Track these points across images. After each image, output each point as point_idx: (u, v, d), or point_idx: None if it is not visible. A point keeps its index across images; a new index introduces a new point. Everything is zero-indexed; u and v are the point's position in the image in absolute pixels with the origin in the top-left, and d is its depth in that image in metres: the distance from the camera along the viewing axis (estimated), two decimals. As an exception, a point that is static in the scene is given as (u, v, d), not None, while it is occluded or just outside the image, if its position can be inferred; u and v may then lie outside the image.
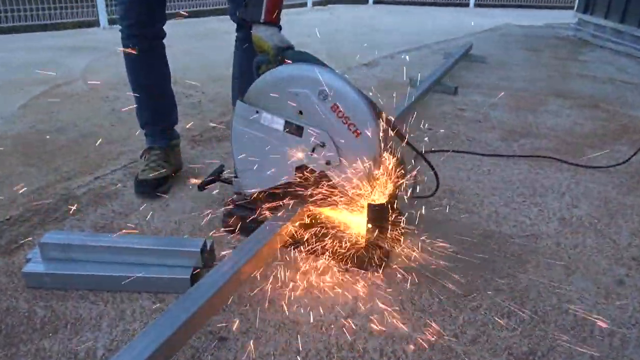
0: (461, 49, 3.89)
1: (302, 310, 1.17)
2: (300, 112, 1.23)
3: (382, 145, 1.20)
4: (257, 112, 1.27)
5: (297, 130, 1.24)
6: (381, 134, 1.20)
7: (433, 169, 1.38)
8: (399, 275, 1.29)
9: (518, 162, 2.04)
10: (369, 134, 1.18)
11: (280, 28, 1.35)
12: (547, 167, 1.99)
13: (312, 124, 1.22)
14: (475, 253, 1.40)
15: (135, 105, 1.77)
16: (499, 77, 3.47)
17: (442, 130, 2.36)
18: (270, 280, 1.27)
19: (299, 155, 1.26)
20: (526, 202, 1.71)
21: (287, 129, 1.25)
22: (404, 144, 1.30)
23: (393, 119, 1.27)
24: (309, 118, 1.22)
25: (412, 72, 3.44)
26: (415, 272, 1.31)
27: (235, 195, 1.46)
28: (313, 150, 1.23)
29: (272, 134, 1.27)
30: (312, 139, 1.23)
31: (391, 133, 1.25)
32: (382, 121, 1.21)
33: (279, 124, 1.25)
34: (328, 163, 1.23)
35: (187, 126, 2.32)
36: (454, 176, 1.88)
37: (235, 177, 1.42)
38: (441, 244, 1.42)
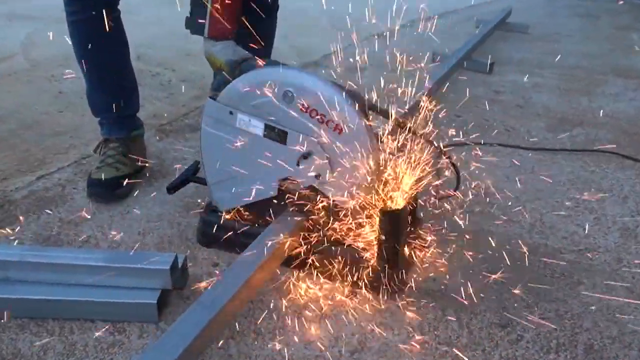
0: (498, 15, 3.89)
1: (296, 344, 1.17)
2: (273, 122, 1.28)
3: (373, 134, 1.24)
4: (231, 112, 1.31)
5: (280, 136, 1.28)
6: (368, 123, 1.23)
7: (450, 160, 1.37)
8: (418, 300, 1.29)
9: (569, 157, 2.04)
10: (351, 126, 1.22)
11: (235, 38, 1.39)
12: (605, 164, 1.99)
13: (294, 128, 1.26)
14: (515, 272, 1.40)
15: (86, 88, 1.77)
16: (545, 52, 3.47)
17: (473, 118, 2.36)
18: (257, 304, 1.27)
19: (283, 166, 1.29)
20: (579, 207, 1.71)
21: (268, 134, 1.29)
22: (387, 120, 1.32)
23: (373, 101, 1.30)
24: (288, 123, 1.27)
25: (436, 45, 3.44)
26: (439, 296, 1.31)
27: (213, 200, 1.46)
28: (299, 162, 1.27)
29: (250, 140, 1.31)
30: (297, 147, 1.26)
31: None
32: (367, 107, 1.25)
33: (258, 127, 1.30)
34: (318, 177, 1.27)
35: (153, 113, 2.32)
36: (488, 175, 1.88)
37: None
38: (471, 261, 1.42)
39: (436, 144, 1.35)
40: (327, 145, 1.24)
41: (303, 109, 1.23)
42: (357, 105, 1.23)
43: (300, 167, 1.28)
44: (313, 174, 1.27)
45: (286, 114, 1.25)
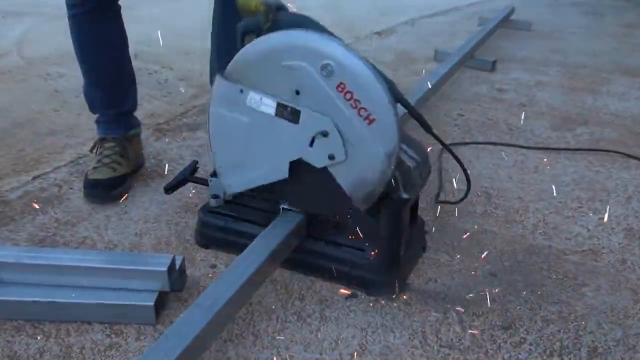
0: (501, 12, 3.89)
1: (296, 347, 1.17)
2: (297, 92, 1.22)
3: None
4: (241, 90, 1.26)
5: (293, 115, 1.23)
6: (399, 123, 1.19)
7: (463, 167, 1.38)
8: (420, 302, 1.30)
9: (573, 157, 2.04)
10: (385, 121, 1.17)
11: None
12: (609, 164, 1.99)
13: (311, 106, 1.21)
14: (518, 274, 1.40)
15: (83, 84, 1.77)
16: (549, 49, 3.47)
17: (476, 117, 2.36)
18: (256, 306, 1.27)
19: (294, 148, 1.26)
20: (583, 208, 1.71)
21: (280, 113, 1.24)
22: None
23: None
24: (308, 100, 1.21)
25: (438, 43, 3.44)
26: (442, 298, 1.31)
27: (212, 200, 1.46)
28: (312, 141, 1.23)
29: (261, 119, 1.26)
30: (312, 127, 1.22)
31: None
32: (403, 106, 1.21)
33: (269, 106, 1.25)
34: (332, 157, 1.23)
35: (150, 112, 2.32)
36: (491, 175, 1.88)
37: (213, 175, 1.43)
38: (474, 262, 1.43)
39: (444, 144, 1.34)
40: (343, 127, 1.19)
41: (339, 88, 1.16)
42: (397, 99, 1.18)
43: (313, 147, 1.23)
44: (327, 154, 1.22)
45: (317, 88, 1.18)
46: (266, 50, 1.23)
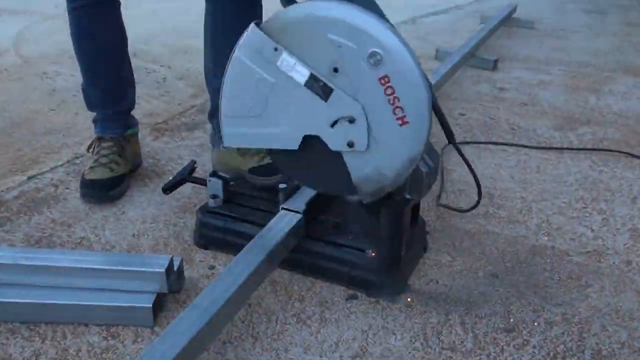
0: (503, 10, 3.89)
1: (296, 349, 1.17)
2: (335, 70, 1.15)
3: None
4: (275, 49, 1.17)
5: (323, 91, 1.16)
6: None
7: (476, 178, 1.33)
8: (421, 303, 1.30)
9: (576, 157, 2.04)
10: (419, 127, 1.12)
11: None
12: (613, 164, 1.99)
13: (346, 89, 1.15)
14: (521, 275, 1.40)
15: (81, 82, 1.77)
16: (552, 48, 3.47)
17: (477, 116, 2.36)
18: (255, 307, 1.27)
19: (313, 123, 1.19)
20: (587, 208, 1.71)
21: (310, 85, 1.17)
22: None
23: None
24: (345, 81, 1.15)
25: (439, 42, 3.44)
26: (443, 299, 1.31)
27: (210, 200, 1.46)
28: (335, 123, 1.17)
29: (287, 84, 1.18)
30: (340, 109, 1.16)
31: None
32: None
33: (301, 74, 1.17)
34: (350, 145, 1.17)
35: (148, 111, 2.32)
36: (493, 175, 1.88)
37: (212, 175, 1.42)
38: (476, 263, 1.42)
39: (464, 157, 1.31)
40: (373, 120, 1.14)
41: (382, 80, 1.10)
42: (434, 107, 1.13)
43: (334, 129, 1.17)
44: (347, 140, 1.17)
45: (358, 73, 1.12)
46: (317, 16, 1.14)
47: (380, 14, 1.16)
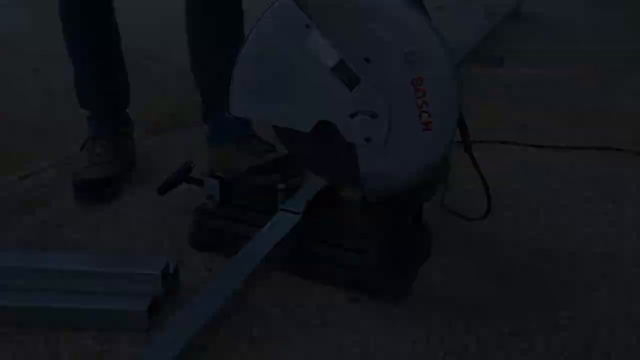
0: (509, 4, 3.89)
1: (295, 354, 1.17)
2: (367, 60, 1.13)
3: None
4: (307, 26, 1.13)
5: (350, 80, 1.13)
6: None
7: (487, 190, 1.34)
8: (424, 307, 1.30)
9: (585, 156, 2.04)
10: (441, 136, 1.12)
11: None
12: (623, 163, 1.99)
13: (374, 82, 1.13)
14: (527, 277, 1.40)
15: (74, 79, 1.78)
16: (560, 43, 3.47)
17: (483, 114, 2.36)
18: (252, 311, 1.27)
19: (332, 110, 1.17)
20: (595, 209, 1.71)
21: (337, 70, 1.14)
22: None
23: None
24: (375, 74, 1.12)
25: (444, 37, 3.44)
26: (447, 303, 1.31)
27: (207, 201, 1.46)
28: (355, 114, 1.16)
29: (312, 65, 1.15)
30: (364, 102, 1.14)
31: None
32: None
33: (329, 58, 1.14)
34: (367, 140, 1.16)
35: (143, 109, 2.32)
36: (498, 175, 1.88)
37: (210, 175, 1.42)
38: (481, 265, 1.42)
39: (476, 164, 1.31)
40: (396, 119, 1.13)
41: (415, 81, 1.08)
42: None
43: (354, 120, 1.15)
44: (365, 134, 1.15)
45: (391, 69, 1.10)
46: (360, 1, 1.11)
47: (425, 12, 1.13)
